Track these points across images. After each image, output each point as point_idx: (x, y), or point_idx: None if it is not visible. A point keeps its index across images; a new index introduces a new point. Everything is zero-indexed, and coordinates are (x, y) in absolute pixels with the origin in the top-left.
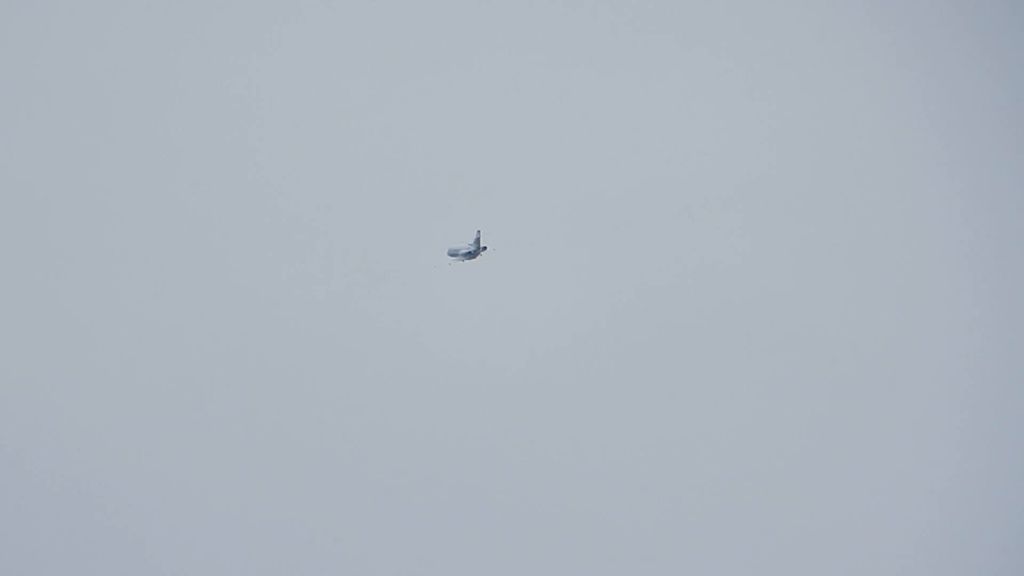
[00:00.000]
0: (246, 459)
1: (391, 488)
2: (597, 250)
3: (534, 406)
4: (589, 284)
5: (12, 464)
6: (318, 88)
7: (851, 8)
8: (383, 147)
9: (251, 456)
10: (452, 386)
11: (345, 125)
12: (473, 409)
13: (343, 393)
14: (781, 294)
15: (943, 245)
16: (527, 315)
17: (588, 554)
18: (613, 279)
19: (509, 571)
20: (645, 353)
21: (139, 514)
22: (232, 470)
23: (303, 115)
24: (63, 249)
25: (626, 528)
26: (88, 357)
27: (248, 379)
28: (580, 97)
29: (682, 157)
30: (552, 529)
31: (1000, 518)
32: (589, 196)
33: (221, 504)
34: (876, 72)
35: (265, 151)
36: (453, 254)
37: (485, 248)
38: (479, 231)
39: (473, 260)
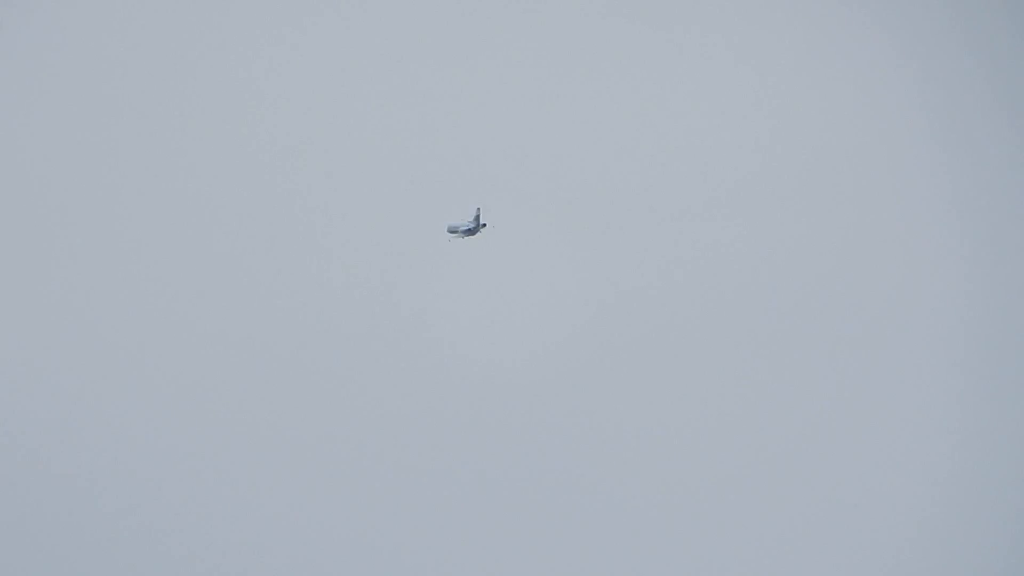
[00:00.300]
0: (254, 447)
1: (383, 473)
2: (595, 245)
3: (533, 399)
4: (587, 278)
5: (18, 453)
6: (322, 81)
7: (850, 7)
8: (385, 144)
9: (259, 444)
10: (452, 378)
11: (347, 120)
12: (472, 402)
13: (343, 383)
14: (779, 289)
15: (940, 241)
16: (527, 306)
17: (586, 544)
18: (611, 273)
19: (505, 559)
20: (641, 346)
21: (145, 501)
22: (241, 459)
23: (309, 107)
24: (69, 240)
25: (624, 521)
26: (95, 342)
27: (251, 369)
28: (581, 93)
29: (682, 153)
30: (552, 525)
31: (996, 506)
32: (588, 192)
33: (231, 495)
34: (874, 70)
35: (269, 142)
36: (453, 231)
37: (484, 225)
38: (479, 208)
39: (473, 237)
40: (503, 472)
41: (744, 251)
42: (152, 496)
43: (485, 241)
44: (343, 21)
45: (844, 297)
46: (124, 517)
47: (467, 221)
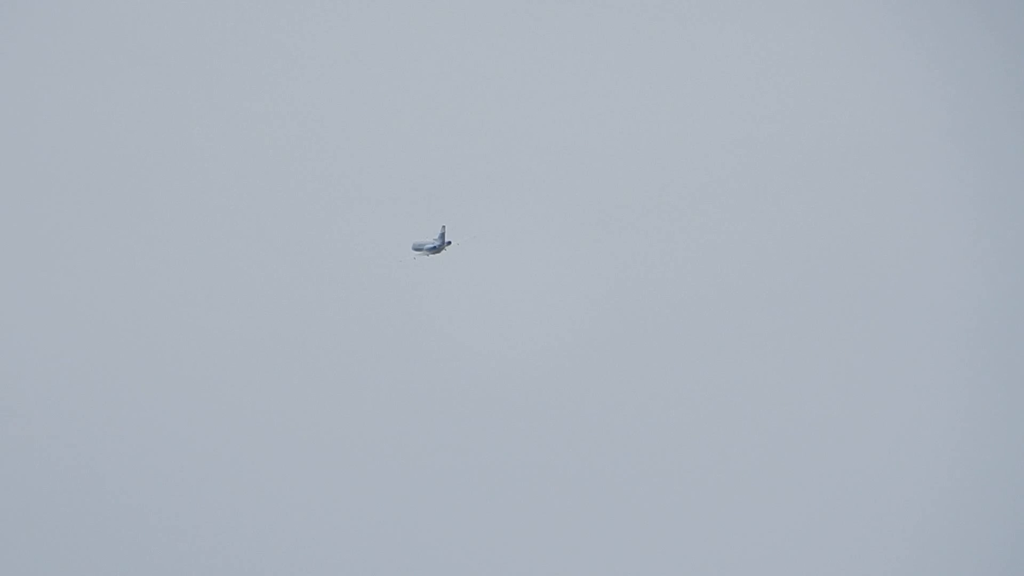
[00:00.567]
0: (256, 444)
1: (389, 465)
2: (599, 236)
3: (535, 391)
4: (592, 268)
5: (22, 448)
6: (314, 77)
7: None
8: (383, 140)
9: (263, 436)
10: (456, 370)
11: (344, 117)
12: (475, 393)
13: (351, 374)
14: (784, 283)
15: (946, 236)
16: (529, 299)
17: (590, 532)
18: (615, 264)
19: (507, 553)
20: (645, 337)
21: (148, 492)
22: (244, 455)
23: (307, 104)
24: (72, 236)
25: (629, 508)
26: (99, 338)
27: (255, 366)
28: (573, 89)
29: (685, 144)
30: (558, 514)
31: (1001, 504)
32: (592, 184)
33: (237, 488)
34: (880, 66)
35: (272, 138)
36: (418, 248)
37: (450, 243)
38: (443, 226)
39: (438, 254)
40: (508, 464)
41: (750, 242)
42: (156, 488)
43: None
44: (328, 21)
45: (851, 288)
46: (133, 501)
47: (432, 239)
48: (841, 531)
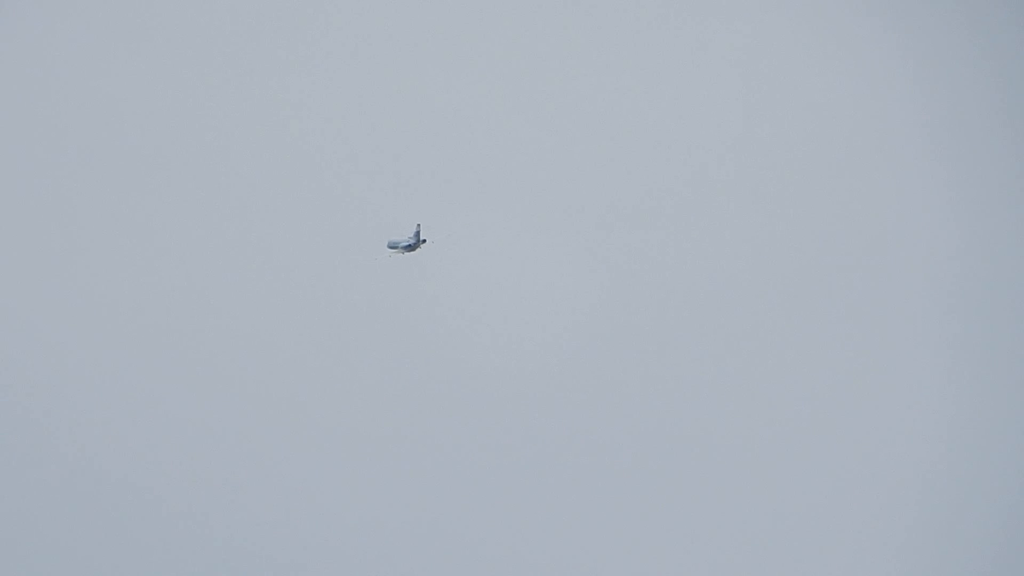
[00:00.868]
0: (261, 440)
1: (388, 463)
2: (585, 240)
3: (533, 397)
4: (581, 271)
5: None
6: (311, 76)
7: (845, 2)
8: (380, 137)
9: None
10: (455, 365)
11: (342, 115)
12: (473, 395)
13: (352, 369)
14: (778, 279)
15: (933, 240)
16: (523, 300)
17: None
18: (613, 262)
19: (508, 548)
20: (637, 340)
21: (147, 468)
22: (246, 452)
23: (303, 101)
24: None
25: (620, 524)
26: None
27: (255, 363)
28: (571, 88)
29: (679, 143)
30: (551, 518)
31: (992, 502)
32: (587, 183)
33: (240, 483)
34: (870, 67)
35: (274, 137)
36: (393, 246)
37: (425, 241)
38: (419, 224)
39: (413, 253)
40: (506, 460)
41: (747, 237)
42: (154, 475)
43: (426, 239)
44: (325, 19)
45: (849, 286)
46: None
47: (407, 237)
48: (837, 518)
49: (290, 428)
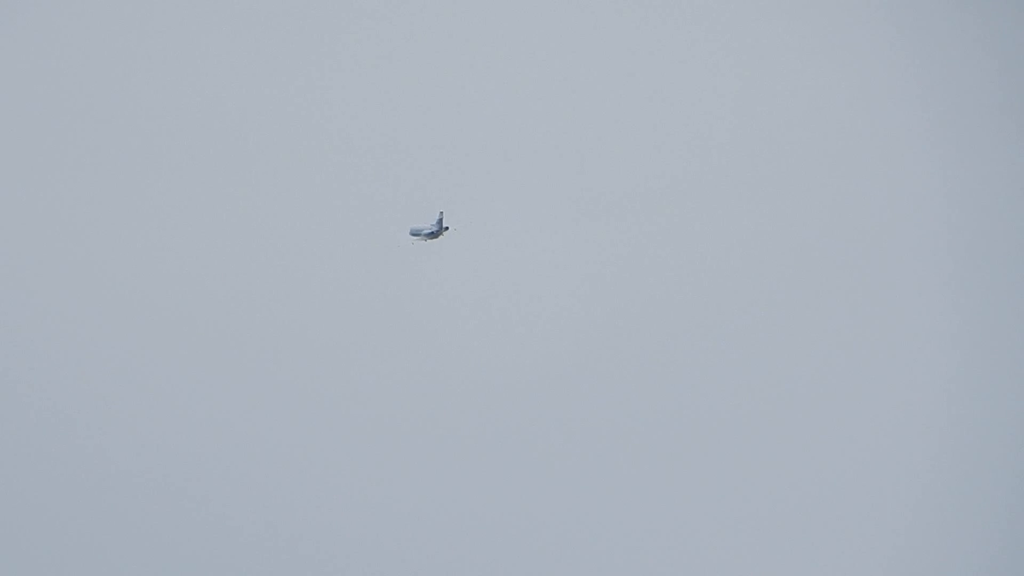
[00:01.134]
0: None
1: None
2: (587, 233)
3: (534, 395)
4: (581, 265)
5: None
6: (307, 75)
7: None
8: (377, 134)
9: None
10: (453, 363)
11: (340, 113)
12: (473, 400)
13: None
14: (779, 277)
15: (934, 233)
16: (522, 299)
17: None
18: (603, 261)
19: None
20: (636, 338)
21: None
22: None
23: (298, 101)
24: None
25: (614, 525)
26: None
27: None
28: (573, 79)
29: (678, 140)
30: (550, 515)
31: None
32: (584, 180)
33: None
34: (872, 64)
35: (268, 137)
36: (415, 233)
37: (447, 228)
38: (441, 212)
39: (435, 240)
40: (505, 457)
41: (747, 234)
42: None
43: (448, 226)
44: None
45: (847, 284)
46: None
47: (430, 224)
48: (837, 514)
49: (305, 414)
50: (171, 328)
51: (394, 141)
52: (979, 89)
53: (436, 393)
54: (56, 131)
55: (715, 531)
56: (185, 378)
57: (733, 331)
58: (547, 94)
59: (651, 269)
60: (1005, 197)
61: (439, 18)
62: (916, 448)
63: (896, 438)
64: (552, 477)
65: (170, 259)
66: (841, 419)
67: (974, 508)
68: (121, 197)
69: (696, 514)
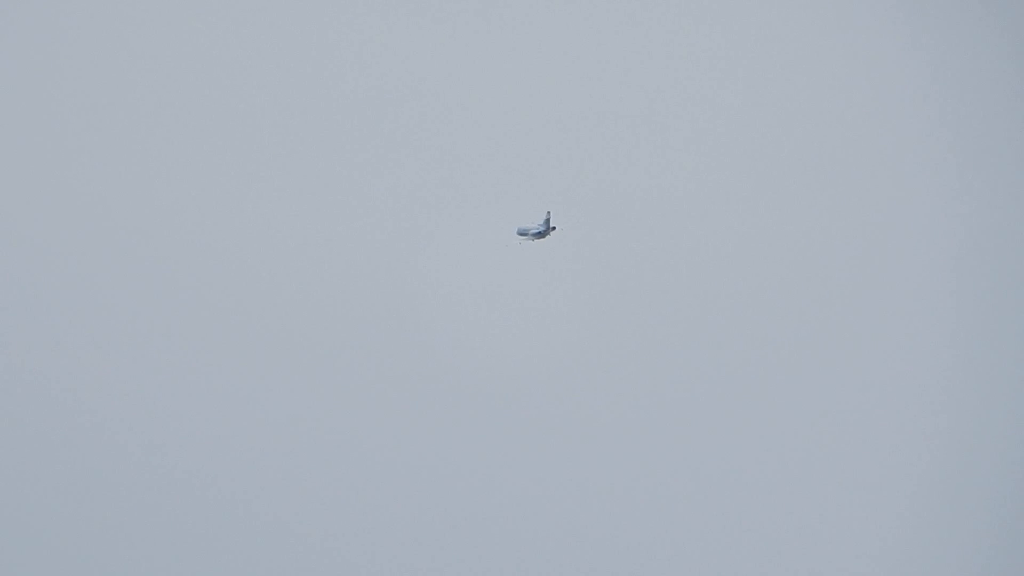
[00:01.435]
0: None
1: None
2: (602, 232)
3: (535, 393)
4: (581, 269)
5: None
6: (322, 73)
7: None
8: (379, 137)
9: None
10: (452, 361)
11: (341, 113)
12: (476, 398)
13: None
14: (779, 276)
15: (935, 235)
16: (524, 293)
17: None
18: (605, 264)
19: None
20: (637, 339)
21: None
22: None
23: (308, 103)
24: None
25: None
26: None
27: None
28: (570, 80)
29: (688, 140)
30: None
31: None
32: (596, 184)
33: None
34: (873, 69)
35: (274, 136)
36: (523, 233)
37: (555, 228)
38: (549, 212)
39: (542, 239)
40: (504, 456)
41: (749, 235)
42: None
43: (555, 226)
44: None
45: (846, 284)
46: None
47: (537, 224)
48: (837, 512)
49: (299, 423)
50: (171, 328)
51: (394, 141)
52: (980, 90)
53: (436, 393)
54: (58, 130)
55: (715, 531)
56: (185, 378)
57: (734, 329)
58: (547, 96)
59: (651, 269)
60: (1005, 197)
61: (445, 23)
62: (916, 446)
63: (896, 437)
64: (552, 477)
65: (170, 259)
66: (841, 417)
67: (972, 505)
68: (155, 189)
69: (696, 514)
